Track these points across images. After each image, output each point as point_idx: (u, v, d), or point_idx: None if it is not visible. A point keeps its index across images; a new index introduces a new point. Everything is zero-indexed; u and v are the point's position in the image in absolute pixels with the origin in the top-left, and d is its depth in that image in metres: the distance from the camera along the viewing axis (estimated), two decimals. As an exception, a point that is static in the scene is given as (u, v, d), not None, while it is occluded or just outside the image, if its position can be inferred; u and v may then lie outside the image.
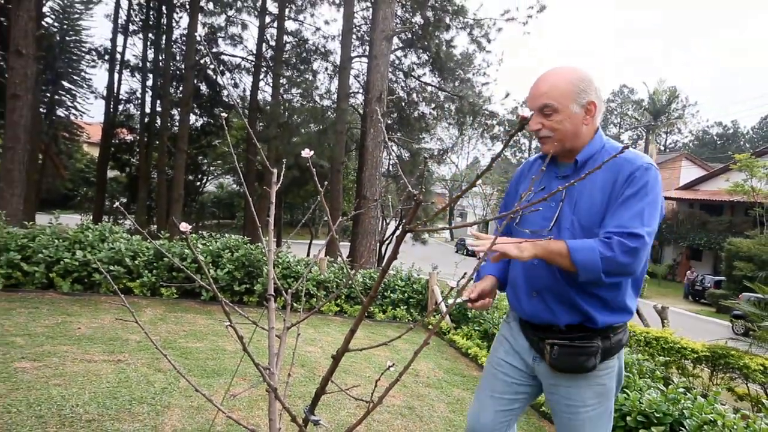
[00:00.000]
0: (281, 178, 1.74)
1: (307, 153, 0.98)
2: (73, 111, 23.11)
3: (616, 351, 1.57)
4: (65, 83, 21.69)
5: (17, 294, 5.01)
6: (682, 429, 2.79)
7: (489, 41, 13.76)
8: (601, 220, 1.50)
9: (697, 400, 2.96)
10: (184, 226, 0.71)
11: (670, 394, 3.08)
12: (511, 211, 0.84)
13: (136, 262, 5.63)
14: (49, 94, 20.62)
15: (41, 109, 18.39)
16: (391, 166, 17.22)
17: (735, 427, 2.59)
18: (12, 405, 2.62)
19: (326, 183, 1.09)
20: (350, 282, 3.05)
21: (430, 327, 6.37)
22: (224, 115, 1.45)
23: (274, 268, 1.62)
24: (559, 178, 1.61)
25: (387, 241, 17.44)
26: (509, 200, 1.81)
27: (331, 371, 1.17)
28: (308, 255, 15.81)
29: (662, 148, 50.53)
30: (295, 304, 1.62)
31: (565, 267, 1.45)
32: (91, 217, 16.05)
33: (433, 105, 15.98)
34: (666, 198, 28.87)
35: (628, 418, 3.03)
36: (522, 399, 1.71)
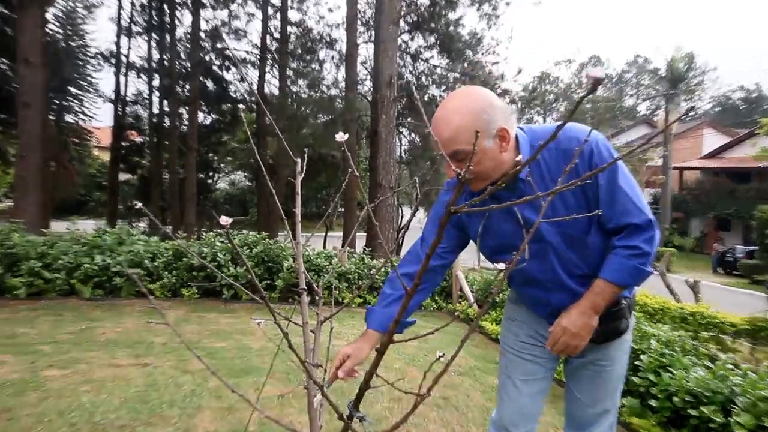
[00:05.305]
0: (304, 168, 1.68)
1: (341, 137, 0.92)
2: (82, 116, 23.42)
3: (633, 305, 1.58)
4: (72, 89, 21.93)
5: (40, 301, 5.07)
6: (734, 407, 2.69)
7: (497, 16, 13.49)
8: (587, 221, 1.43)
9: (748, 376, 2.85)
10: (225, 220, 0.65)
11: (718, 371, 2.97)
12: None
13: (156, 263, 5.66)
14: (57, 101, 20.86)
15: (50, 116, 18.60)
16: (404, 153, 17.07)
17: (793, 402, 2.48)
18: (44, 414, 2.63)
19: (350, 171, 1.02)
20: (376, 272, 2.99)
21: (456, 313, 6.31)
22: (241, 106, 1.38)
23: (294, 262, 1.57)
24: (514, 198, 1.47)
25: (404, 229, 17.35)
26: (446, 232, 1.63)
27: (375, 365, 1.10)
28: (324, 247, 15.79)
29: (682, 117, 49.21)
30: (319, 298, 1.57)
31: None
32: (105, 222, 16.24)
33: (443, 87, 15.74)
34: (690, 168, 28.35)
35: (675, 398, 2.93)
36: (550, 376, 1.71)
